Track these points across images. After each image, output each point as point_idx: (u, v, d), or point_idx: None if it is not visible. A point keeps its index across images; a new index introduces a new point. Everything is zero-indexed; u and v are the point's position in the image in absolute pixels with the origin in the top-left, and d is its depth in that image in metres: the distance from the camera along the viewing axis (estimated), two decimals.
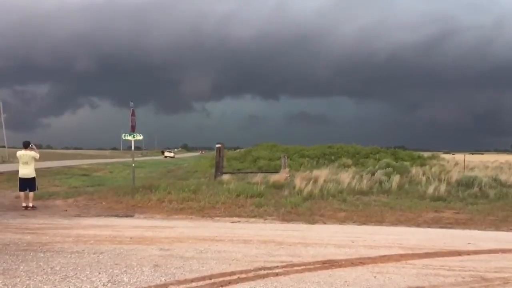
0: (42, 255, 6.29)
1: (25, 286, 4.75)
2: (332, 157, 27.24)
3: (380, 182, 15.44)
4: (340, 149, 29.16)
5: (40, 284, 4.83)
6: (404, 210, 12.23)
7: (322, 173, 16.62)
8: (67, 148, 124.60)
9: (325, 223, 10.88)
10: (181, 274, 5.42)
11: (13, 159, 45.33)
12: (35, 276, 5.17)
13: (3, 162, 40.51)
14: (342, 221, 11.12)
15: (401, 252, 7.07)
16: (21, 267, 5.57)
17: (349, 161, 25.55)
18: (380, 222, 10.92)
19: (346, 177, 15.97)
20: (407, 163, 20.46)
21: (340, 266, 6.11)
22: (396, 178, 15.71)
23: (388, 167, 17.48)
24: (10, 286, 4.73)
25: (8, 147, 46.12)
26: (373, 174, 16.53)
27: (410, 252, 7.08)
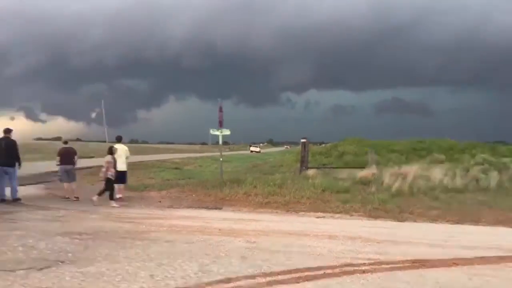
0: (139, 242, 6.73)
1: (124, 271, 5.11)
2: (423, 152, 26.01)
3: (477, 180, 14.48)
4: (432, 144, 27.68)
5: (138, 270, 5.17)
6: (504, 209, 11.38)
7: (412, 169, 15.92)
8: (161, 142, 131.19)
9: (415, 221, 10.49)
10: (268, 266, 5.52)
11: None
12: (134, 262, 5.54)
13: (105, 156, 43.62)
14: (434, 219, 10.64)
15: (501, 254, 6.62)
16: (121, 253, 6.00)
17: (442, 157, 24.22)
18: (476, 221, 10.28)
19: (438, 173, 15.18)
20: (508, 159, 18.94)
21: (431, 266, 5.86)
22: (494, 175, 14.65)
23: (485, 164, 16.33)
24: (112, 270, 5.12)
25: (109, 142, 49.67)
26: (468, 170, 15.54)
27: (511, 254, 6.60)
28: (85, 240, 6.77)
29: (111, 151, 12.08)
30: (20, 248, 6.06)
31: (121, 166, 12.92)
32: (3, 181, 11.15)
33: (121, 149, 13.02)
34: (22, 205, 10.72)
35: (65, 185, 12.48)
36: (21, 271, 4.93)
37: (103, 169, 11.83)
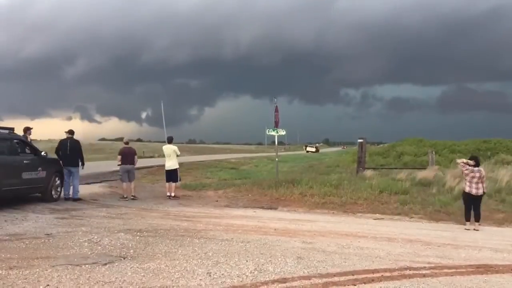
0: (197, 241, 6.90)
1: (183, 268, 5.26)
2: (488, 153, 24.77)
3: None
4: (498, 144, 26.33)
5: (195, 268, 5.30)
6: None
7: None
8: (217, 143, 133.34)
9: (479, 224, 10.02)
10: (324, 267, 5.48)
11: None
12: (191, 260, 5.69)
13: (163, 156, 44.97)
14: (500, 223, 10.14)
15: None
16: (180, 251, 6.18)
17: (509, 157, 22.96)
18: None
19: (504, 175, 14.39)
20: None
21: (497, 271, 5.59)
22: None
23: None
24: (170, 267, 5.29)
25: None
26: None
27: None
28: (146, 237, 7.02)
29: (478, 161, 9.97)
30: (86, 244, 6.39)
31: (171, 164, 13.36)
32: (68, 180, 11.57)
33: (170, 149, 13.46)
34: (87, 203, 11.26)
35: (124, 184, 12.85)
36: (87, 266, 5.20)
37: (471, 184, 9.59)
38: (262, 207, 12.01)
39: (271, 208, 11.92)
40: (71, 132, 11.96)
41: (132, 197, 12.60)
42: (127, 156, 12.88)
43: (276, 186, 14.21)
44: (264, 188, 14.34)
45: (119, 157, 12.92)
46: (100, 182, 16.19)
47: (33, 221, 8.20)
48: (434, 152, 19.37)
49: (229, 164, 30.02)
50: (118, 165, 13.02)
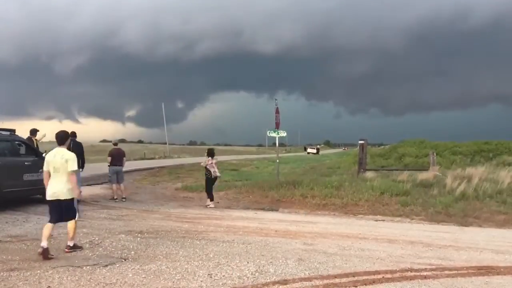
0: (198, 242, 6.90)
1: (184, 270, 5.26)
2: (490, 154, 24.75)
3: None
4: (500, 145, 26.30)
5: (196, 269, 5.30)
6: None
7: (477, 172, 15.19)
8: (218, 144, 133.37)
9: (480, 226, 10.02)
10: (324, 269, 5.48)
11: (173, 154, 50.08)
12: (192, 261, 5.69)
13: (165, 157, 45.20)
14: (501, 224, 10.11)
15: None
16: (181, 252, 6.18)
17: (511, 159, 22.93)
18: None
19: (506, 176, 14.36)
20: None
21: (498, 273, 5.58)
22: None
23: None
24: (171, 269, 5.29)
25: (169, 144, 51.18)
26: None
27: None
28: (147, 239, 7.02)
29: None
30: (87, 245, 6.40)
31: None
32: None
33: None
34: (88, 204, 11.26)
35: (114, 186, 12.77)
36: (88, 267, 5.20)
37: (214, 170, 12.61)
38: (263, 209, 12.01)
39: (272, 210, 11.92)
40: (73, 134, 12.00)
41: (123, 199, 12.53)
42: (116, 157, 12.81)
43: (277, 188, 14.19)
44: (265, 189, 14.33)
45: (109, 158, 12.86)
46: (101, 183, 16.19)
47: (34, 223, 8.21)
48: (435, 154, 19.35)
49: (230, 165, 29.98)
50: (108, 165, 12.97)
